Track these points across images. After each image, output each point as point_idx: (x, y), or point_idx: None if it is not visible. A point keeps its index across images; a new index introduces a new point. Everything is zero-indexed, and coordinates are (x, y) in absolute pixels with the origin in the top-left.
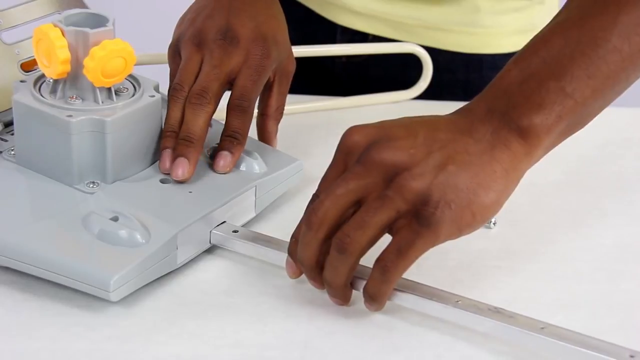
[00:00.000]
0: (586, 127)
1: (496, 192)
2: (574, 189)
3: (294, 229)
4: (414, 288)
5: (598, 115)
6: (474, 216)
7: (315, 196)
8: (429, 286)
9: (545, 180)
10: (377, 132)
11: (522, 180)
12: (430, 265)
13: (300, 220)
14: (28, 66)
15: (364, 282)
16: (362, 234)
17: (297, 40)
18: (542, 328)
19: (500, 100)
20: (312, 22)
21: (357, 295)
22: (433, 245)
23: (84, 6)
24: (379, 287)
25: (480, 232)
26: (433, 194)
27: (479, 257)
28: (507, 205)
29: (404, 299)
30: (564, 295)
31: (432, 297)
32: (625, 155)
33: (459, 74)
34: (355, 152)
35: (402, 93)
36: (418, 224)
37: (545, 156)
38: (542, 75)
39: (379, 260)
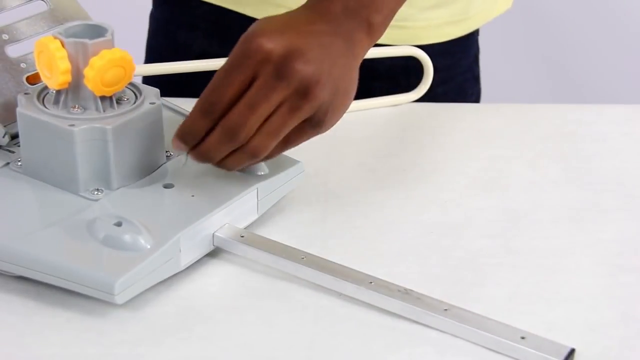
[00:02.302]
0: (586, 122)
1: (355, 86)
2: (573, 184)
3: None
4: (331, 269)
5: (598, 112)
6: (344, 112)
7: (215, 97)
8: (345, 266)
9: (545, 176)
10: (288, 43)
11: (521, 177)
12: (432, 263)
13: (195, 111)
14: (34, 79)
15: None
16: (274, 142)
17: None
18: (445, 310)
19: (351, 0)
20: None
21: (357, 299)
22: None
23: (87, 18)
24: (247, 163)
25: (480, 231)
26: (329, 103)
27: (480, 254)
28: (507, 201)
29: (320, 279)
30: (564, 290)
31: (347, 278)
32: (624, 150)
33: (400, 79)
34: (270, 61)
35: (403, 96)
36: (310, 127)
37: (544, 153)
38: None
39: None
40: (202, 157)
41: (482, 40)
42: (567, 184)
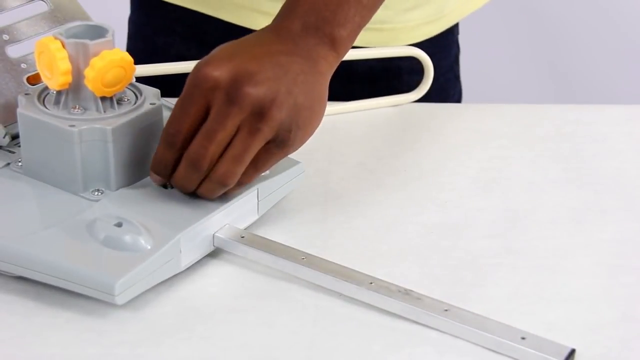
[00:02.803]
0: (586, 122)
1: (324, 102)
2: (573, 184)
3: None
4: (331, 269)
5: (598, 112)
6: (313, 129)
7: (174, 129)
8: (345, 267)
9: (545, 177)
10: (236, 68)
11: (521, 177)
12: (433, 264)
13: (160, 144)
14: (34, 80)
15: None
16: (240, 167)
17: None
18: (446, 310)
19: (311, 16)
20: (229, 34)
21: (358, 299)
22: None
23: (88, 19)
24: (218, 191)
25: (480, 231)
26: (291, 121)
27: (480, 254)
28: (507, 202)
29: (321, 280)
30: (564, 290)
31: (347, 278)
32: (625, 150)
33: (380, 82)
34: (220, 88)
35: (403, 96)
36: (276, 148)
37: (544, 153)
38: None
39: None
40: (178, 188)
41: (478, 40)
42: (567, 184)
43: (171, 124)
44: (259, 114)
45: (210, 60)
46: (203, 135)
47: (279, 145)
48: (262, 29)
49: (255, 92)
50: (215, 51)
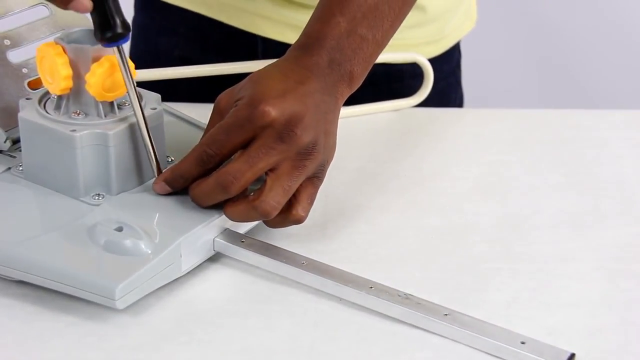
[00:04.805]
0: (586, 127)
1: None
2: (574, 189)
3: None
4: (332, 274)
5: (598, 117)
6: (332, 160)
7: (214, 151)
8: (345, 271)
9: (545, 181)
10: (289, 109)
11: (521, 182)
12: (433, 268)
13: (190, 160)
14: (35, 84)
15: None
16: (286, 199)
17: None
18: (446, 315)
19: (336, 53)
20: (231, 37)
21: (358, 303)
22: None
23: (89, 24)
24: (255, 219)
25: (481, 236)
26: (324, 157)
27: (481, 259)
28: (507, 207)
29: (321, 284)
30: (564, 295)
31: (348, 283)
32: (625, 155)
33: (382, 85)
34: (274, 127)
35: (404, 101)
36: (317, 180)
37: (544, 158)
38: (363, 30)
39: (292, 209)
40: (194, 200)
41: (479, 46)
42: (567, 189)
43: (211, 145)
44: (304, 153)
45: (266, 99)
46: (244, 161)
47: (317, 177)
48: (289, 61)
49: (305, 135)
50: (264, 87)
